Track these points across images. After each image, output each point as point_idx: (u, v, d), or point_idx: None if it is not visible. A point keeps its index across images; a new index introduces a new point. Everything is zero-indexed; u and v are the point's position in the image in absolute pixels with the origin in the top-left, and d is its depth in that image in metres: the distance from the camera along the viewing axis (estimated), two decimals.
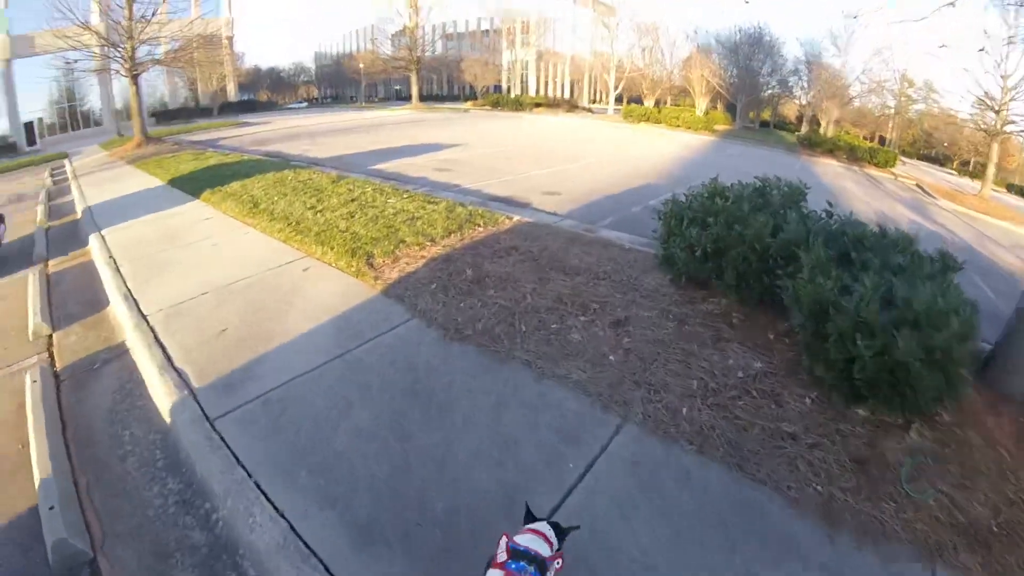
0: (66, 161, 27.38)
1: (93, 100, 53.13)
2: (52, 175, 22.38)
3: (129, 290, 6.74)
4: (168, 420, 4.06)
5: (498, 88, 64.82)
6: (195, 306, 5.87)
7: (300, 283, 6.06)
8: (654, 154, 21.57)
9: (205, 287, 6.32)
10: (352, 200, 9.26)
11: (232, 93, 61.70)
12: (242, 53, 72.05)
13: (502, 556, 1.99)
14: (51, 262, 9.68)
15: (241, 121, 39.28)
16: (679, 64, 52.41)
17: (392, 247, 6.64)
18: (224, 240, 8.18)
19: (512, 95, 58.42)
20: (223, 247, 7.86)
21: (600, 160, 17.97)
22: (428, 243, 6.84)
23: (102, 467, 3.87)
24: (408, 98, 56.56)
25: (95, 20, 24.57)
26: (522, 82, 68.40)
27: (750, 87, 44.32)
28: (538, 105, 50.31)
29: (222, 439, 3.57)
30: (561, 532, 2.21)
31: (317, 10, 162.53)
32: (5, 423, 4.70)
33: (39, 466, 3.77)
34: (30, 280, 8.13)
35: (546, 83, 71.34)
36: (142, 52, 25.70)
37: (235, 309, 5.59)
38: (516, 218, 8.16)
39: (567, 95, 68.42)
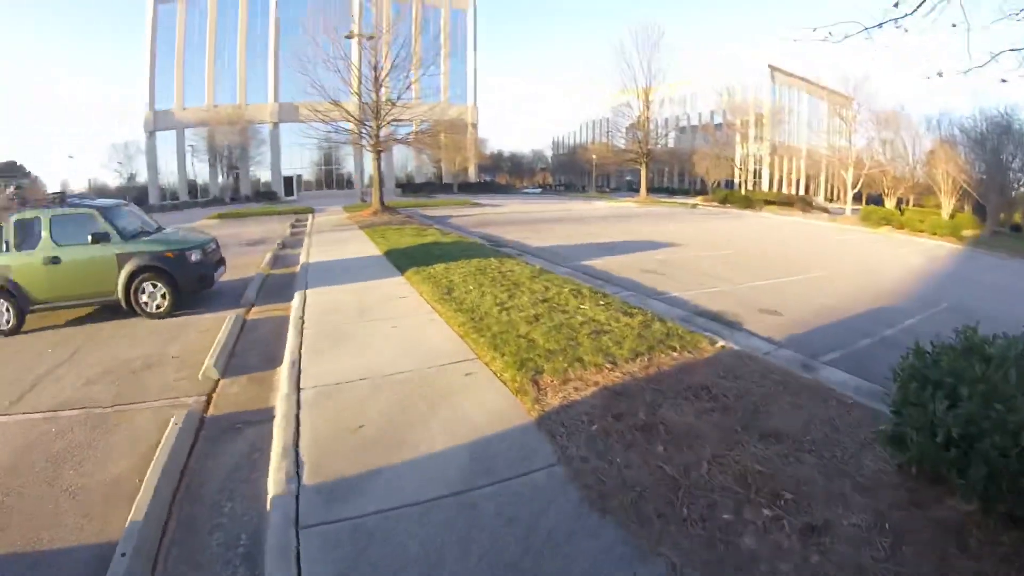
0: (310, 216, 32.24)
1: (348, 165, 63.02)
2: (293, 227, 26.49)
3: (300, 357, 7.33)
4: (268, 507, 4.13)
5: (729, 183, 64.77)
6: (348, 390, 6.10)
7: (456, 389, 5.99)
8: (894, 266, 18.84)
9: (367, 372, 6.59)
10: (543, 300, 9.32)
11: (472, 173, 70.49)
12: (485, 139, 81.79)
13: None
14: (255, 308, 11.06)
15: (474, 201, 43.55)
16: (921, 158, 47.35)
17: (566, 364, 6.32)
18: (407, 324, 8.63)
19: (743, 191, 57.72)
20: (404, 331, 8.26)
21: (832, 272, 16.06)
22: (608, 365, 6.38)
23: (192, 530, 4.13)
24: (638, 189, 58.04)
25: (351, 99, 28.92)
26: (755, 177, 67.81)
27: (1000, 186, 38.11)
28: (769, 202, 48.00)
29: (297, 554, 3.49)
30: None
31: (559, 101, 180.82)
32: (139, 453, 5.31)
33: (137, 508, 4.16)
34: (225, 322, 9.28)
35: (780, 179, 70.92)
36: (387, 131, 29.82)
37: (382, 404, 5.67)
38: (720, 343, 7.35)
39: (801, 192, 66.76)
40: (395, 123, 31.43)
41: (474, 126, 68.40)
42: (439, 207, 38.77)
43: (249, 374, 7.48)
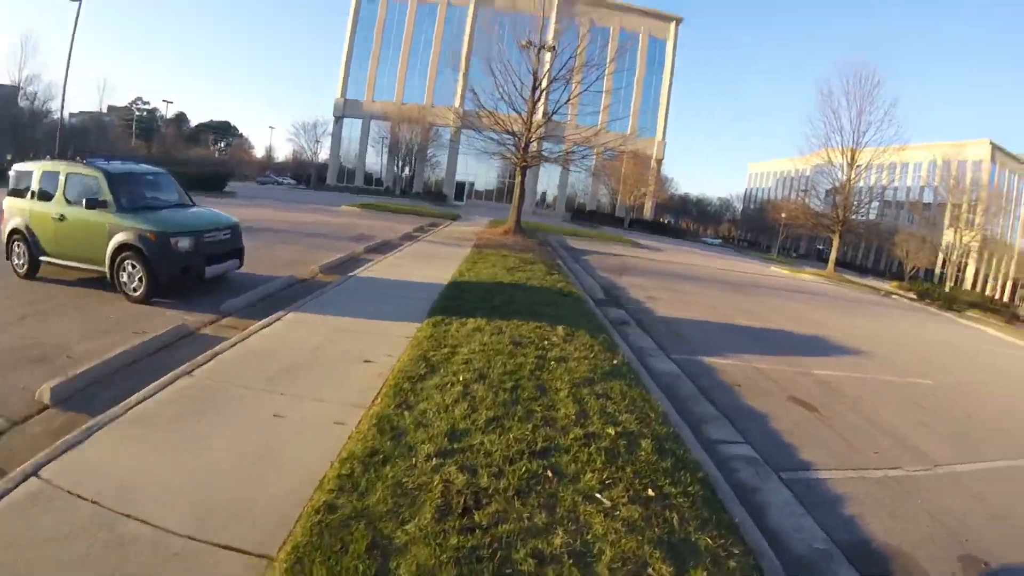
0: (447, 223, 30.32)
1: (527, 181, 61.04)
2: (415, 230, 24.79)
3: (88, 436, 4.68)
4: None
5: (929, 273, 54.89)
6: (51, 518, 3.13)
7: None
8: None
9: (112, 499, 3.59)
10: (536, 453, 5.03)
11: (648, 211, 65.41)
12: (670, 178, 77.42)
13: None
14: (228, 320, 9.07)
15: (634, 241, 39.08)
16: None
17: None
18: (299, 419, 5.46)
19: (945, 285, 47.63)
20: (275, 432, 5.15)
21: None
22: None
23: None
24: (827, 260, 49.30)
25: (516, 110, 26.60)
26: (958, 271, 55.27)
27: None
28: (973, 304, 36.67)
29: None
30: None
31: (755, 149, 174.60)
32: None
33: None
34: (152, 336, 7.48)
35: (984, 277, 60.70)
36: (534, 148, 27.60)
37: None
38: None
39: (1006, 298, 55.65)
40: (550, 140, 28.94)
41: (658, 162, 63.39)
42: (589, 239, 35.11)
43: (77, 412, 5.30)
